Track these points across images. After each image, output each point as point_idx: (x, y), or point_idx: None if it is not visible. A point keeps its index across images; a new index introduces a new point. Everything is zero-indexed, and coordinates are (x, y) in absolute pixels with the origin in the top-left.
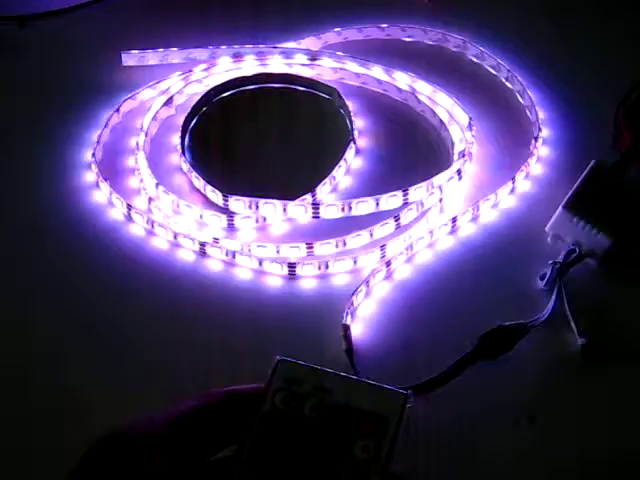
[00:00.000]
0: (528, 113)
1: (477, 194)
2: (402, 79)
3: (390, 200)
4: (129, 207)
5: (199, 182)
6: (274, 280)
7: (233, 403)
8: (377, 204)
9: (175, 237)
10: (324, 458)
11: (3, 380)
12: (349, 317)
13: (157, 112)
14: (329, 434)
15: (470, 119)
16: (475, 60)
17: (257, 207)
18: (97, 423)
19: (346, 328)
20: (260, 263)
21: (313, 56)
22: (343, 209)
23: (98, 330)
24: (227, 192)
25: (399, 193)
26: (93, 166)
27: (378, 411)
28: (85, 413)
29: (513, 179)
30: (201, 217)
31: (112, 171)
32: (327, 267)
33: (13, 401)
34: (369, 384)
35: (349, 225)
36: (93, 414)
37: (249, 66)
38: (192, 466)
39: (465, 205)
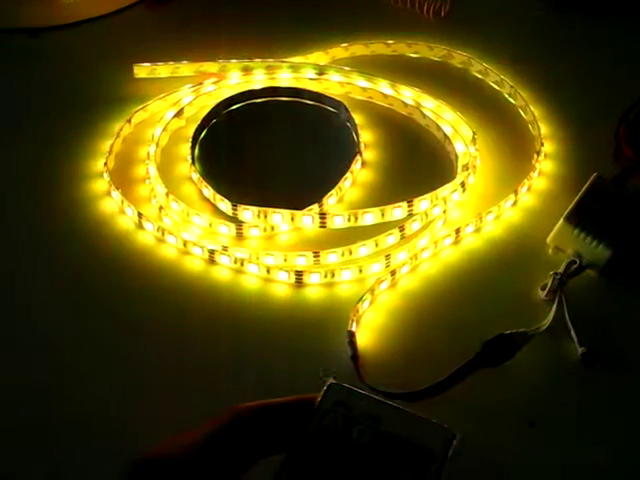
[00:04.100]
0: (530, 128)
1: (480, 206)
2: (407, 94)
3: (395, 211)
4: (140, 215)
5: (208, 191)
6: (281, 288)
7: (264, 417)
8: (382, 215)
9: (185, 245)
10: None
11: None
12: (354, 324)
13: (168, 123)
14: (374, 461)
15: (474, 133)
16: (479, 76)
17: (265, 216)
18: (108, 432)
19: (351, 335)
20: (268, 271)
21: (321, 70)
22: (349, 219)
23: (107, 335)
24: (236, 201)
25: (404, 204)
26: (105, 175)
27: (425, 444)
28: (93, 419)
29: (515, 192)
30: (210, 226)
31: (123, 180)
32: (333, 275)
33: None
34: (417, 417)
35: (355, 235)
36: (102, 421)
37: (258, 79)
38: None
39: (468, 217)
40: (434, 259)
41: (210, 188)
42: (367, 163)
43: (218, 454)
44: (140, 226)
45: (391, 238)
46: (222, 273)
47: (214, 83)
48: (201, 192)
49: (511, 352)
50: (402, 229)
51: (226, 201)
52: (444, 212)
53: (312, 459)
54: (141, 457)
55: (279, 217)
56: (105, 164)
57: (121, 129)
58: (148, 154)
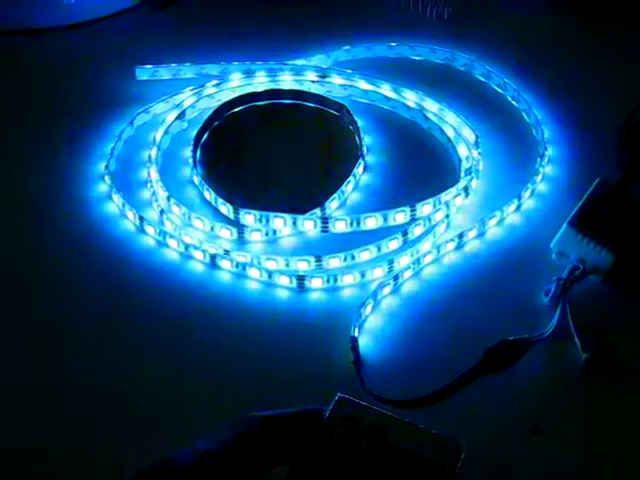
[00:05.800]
0: (534, 131)
1: (483, 211)
2: (410, 97)
3: (398, 215)
4: (141, 219)
5: (210, 195)
6: (283, 292)
7: (275, 428)
8: (385, 219)
9: (186, 249)
10: None
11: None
12: (357, 330)
13: (169, 126)
14: (381, 475)
15: (477, 137)
16: (482, 79)
17: (267, 220)
18: (107, 438)
19: (354, 340)
20: (270, 275)
21: (323, 73)
22: (352, 223)
23: (106, 338)
24: (238, 205)
25: (407, 209)
26: (106, 178)
27: (432, 458)
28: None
29: (519, 196)
30: (212, 229)
31: (125, 183)
32: (335, 280)
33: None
34: (425, 431)
35: (357, 239)
36: (101, 425)
37: (260, 82)
38: None
39: (471, 221)
40: (437, 264)
41: (212, 191)
42: (370, 167)
43: (231, 462)
44: (141, 229)
45: (394, 243)
46: (223, 277)
47: (216, 86)
48: (203, 195)
49: (514, 358)
50: (405, 234)
51: (228, 205)
52: (447, 216)
53: (320, 472)
54: (155, 462)
55: (281, 221)
56: (106, 166)
57: (122, 131)
58: (150, 157)
